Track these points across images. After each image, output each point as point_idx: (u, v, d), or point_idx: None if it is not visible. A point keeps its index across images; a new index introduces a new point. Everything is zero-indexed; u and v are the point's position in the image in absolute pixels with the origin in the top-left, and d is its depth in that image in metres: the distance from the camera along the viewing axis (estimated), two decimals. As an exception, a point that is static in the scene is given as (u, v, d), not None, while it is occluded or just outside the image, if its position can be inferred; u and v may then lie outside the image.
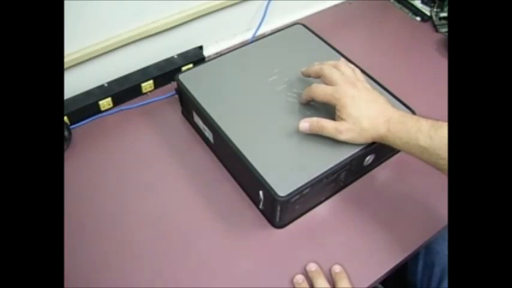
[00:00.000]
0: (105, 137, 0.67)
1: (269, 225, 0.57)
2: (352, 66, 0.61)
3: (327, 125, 0.54)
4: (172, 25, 0.72)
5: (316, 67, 0.59)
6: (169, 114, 0.70)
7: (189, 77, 0.65)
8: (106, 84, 0.70)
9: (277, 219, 0.56)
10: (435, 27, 0.86)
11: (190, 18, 0.73)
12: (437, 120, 0.50)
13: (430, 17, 0.87)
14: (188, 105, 0.65)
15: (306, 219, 0.58)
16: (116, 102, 0.71)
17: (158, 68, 0.73)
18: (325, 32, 0.73)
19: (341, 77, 0.56)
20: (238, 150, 0.56)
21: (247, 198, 0.60)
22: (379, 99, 0.55)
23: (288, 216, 0.56)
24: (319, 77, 0.58)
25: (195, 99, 0.62)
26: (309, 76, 0.61)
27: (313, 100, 0.59)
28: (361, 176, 0.62)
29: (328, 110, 0.59)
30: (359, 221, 0.58)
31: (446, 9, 0.87)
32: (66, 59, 0.65)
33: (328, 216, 0.59)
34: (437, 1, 0.87)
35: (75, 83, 0.68)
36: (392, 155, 0.65)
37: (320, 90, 0.56)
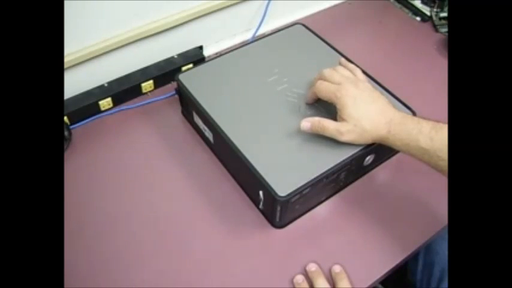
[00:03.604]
0: (105, 137, 0.67)
1: (269, 225, 0.57)
2: (352, 66, 0.61)
3: (328, 126, 0.54)
4: (172, 25, 0.72)
5: (317, 76, 0.59)
6: (169, 114, 0.70)
7: (189, 77, 0.65)
8: (106, 84, 0.70)
9: (277, 219, 0.56)
10: (435, 27, 0.86)
11: (190, 18, 0.73)
12: (438, 121, 0.50)
13: (430, 17, 0.87)
14: (188, 105, 0.65)
15: (306, 219, 0.58)
16: (116, 102, 0.71)
17: (158, 68, 0.73)
18: (325, 32, 0.73)
19: (342, 77, 0.56)
20: (238, 150, 0.56)
21: (247, 198, 0.60)
22: (380, 99, 0.55)
23: (288, 216, 0.57)
24: (320, 79, 0.58)
25: (195, 99, 0.62)
26: (312, 95, 0.59)
27: (319, 100, 0.59)
28: (361, 176, 0.62)
29: (329, 110, 0.59)
30: (359, 221, 0.58)
31: (446, 9, 0.87)
32: (66, 59, 0.65)
33: (328, 216, 0.59)
34: (437, 1, 0.87)
35: (75, 83, 0.68)
36: (392, 155, 0.65)
37: (323, 87, 0.56)
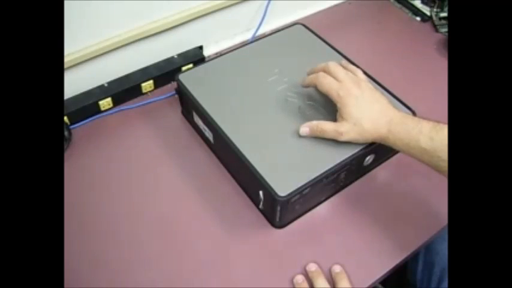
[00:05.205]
0: (105, 137, 0.67)
1: (269, 225, 0.57)
2: (353, 67, 0.61)
3: (327, 129, 0.55)
4: (172, 25, 0.72)
5: (322, 64, 0.59)
6: (169, 114, 0.70)
7: (189, 77, 0.65)
8: (106, 84, 0.70)
9: (277, 219, 0.56)
10: (435, 27, 0.86)
11: (190, 18, 0.73)
12: (439, 121, 0.50)
13: (430, 17, 0.87)
14: (188, 105, 0.65)
15: (306, 219, 0.58)
16: (116, 102, 0.71)
17: (158, 68, 0.73)
18: (325, 32, 0.73)
19: (346, 75, 0.56)
20: (238, 150, 0.56)
21: (247, 198, 0.60)
22: (381, 99, 0.55)
23: (288, 216, 0.57)
24: (324, 72, 0.57)
25: (195, 99, 0.62)
26: (310, 83, 0.59)
27: (317, 94, 0.58)
28: (361, 176, 0.62)
29: (329, 110, 0.59)
30: (359, 221, 0.58)
31: (446, 9, 0.87)
32: (66, 59, 0.65)
33: (328, 216, 0.59)
34: (437, 1, 0.87)
35: (75, 83, 0.68)
36: (392, 155, 0.65)
37: (326, 81, 0.55)
